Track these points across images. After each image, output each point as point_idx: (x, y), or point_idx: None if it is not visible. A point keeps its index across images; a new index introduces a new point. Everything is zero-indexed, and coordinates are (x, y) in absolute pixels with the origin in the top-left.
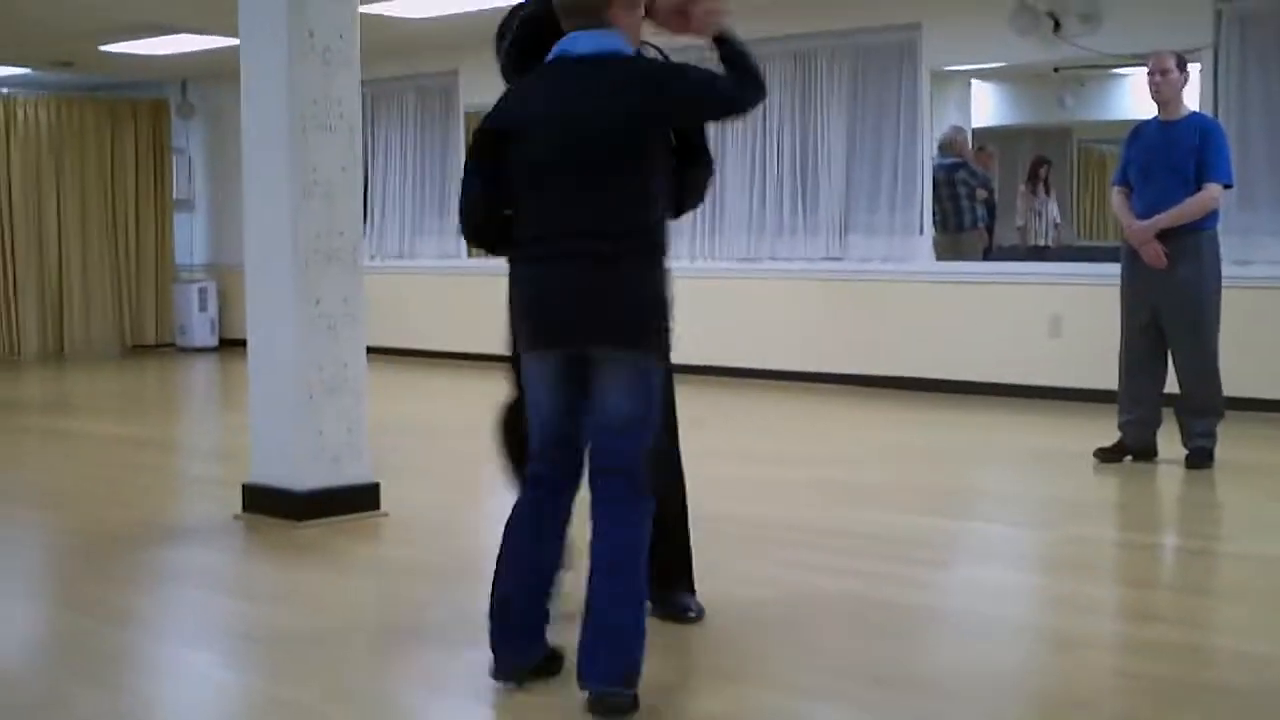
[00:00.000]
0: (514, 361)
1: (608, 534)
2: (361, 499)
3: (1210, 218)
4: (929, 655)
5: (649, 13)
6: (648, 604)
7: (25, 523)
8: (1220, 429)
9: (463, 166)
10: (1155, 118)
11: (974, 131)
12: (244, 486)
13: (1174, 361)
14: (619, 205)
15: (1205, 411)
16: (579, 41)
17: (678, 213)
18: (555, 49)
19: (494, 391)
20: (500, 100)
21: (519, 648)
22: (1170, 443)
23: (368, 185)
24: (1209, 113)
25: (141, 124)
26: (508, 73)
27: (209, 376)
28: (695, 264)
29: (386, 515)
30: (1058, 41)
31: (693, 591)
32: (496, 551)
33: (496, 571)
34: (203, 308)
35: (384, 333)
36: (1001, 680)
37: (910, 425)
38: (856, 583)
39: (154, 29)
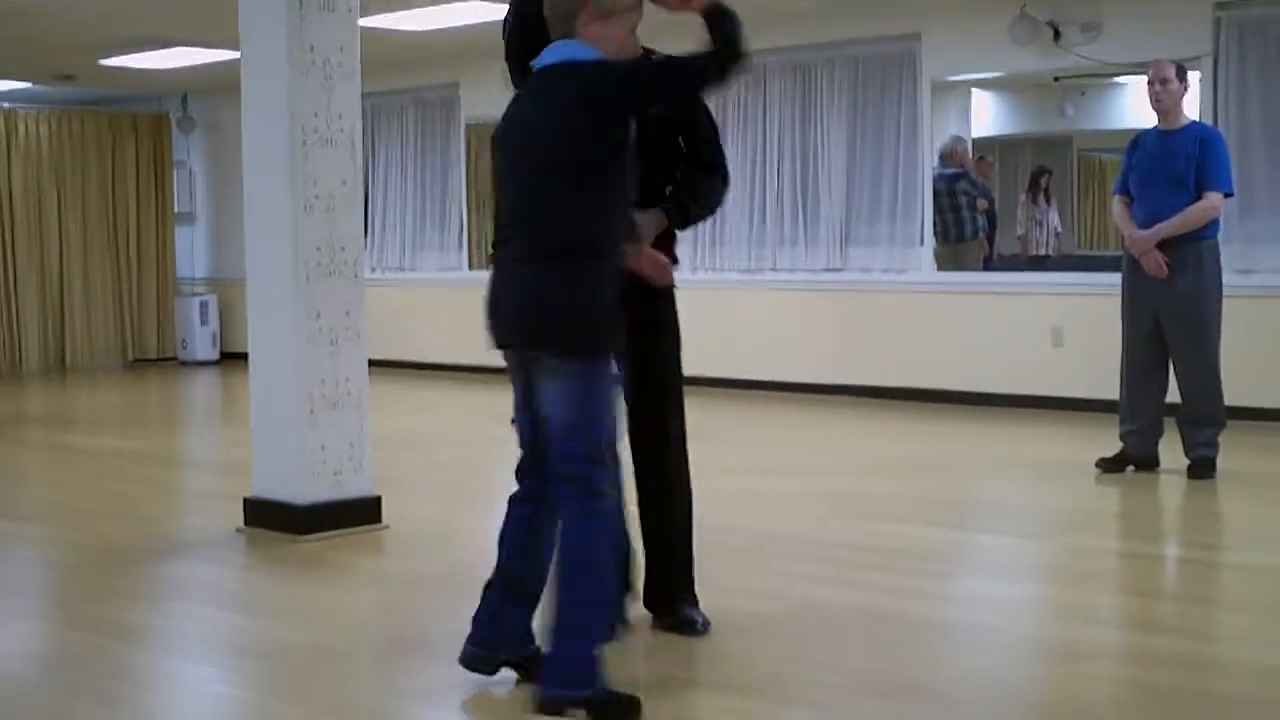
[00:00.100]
0: None
1: (560, 537)
2: (363, 512)
3: (1211, 227)
4: (933, 666)
5: None
6: (621, 605)
7: (27, 537)
8: (1222, 438)
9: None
10: (1155, 127)
11: (974, 141)
12: (245, 500)
13: (1175, 371)
14: (556, 214)
15: (1207, 421)
16: (548, 53)
17: (684, 223)
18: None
19: (495, 404)
20: None
21: (486, 635)
22: (1172, 452)
23: (368, 198)
24: (1209, 122)
25: (142, 137)
26: (514, 80)
27: (210, 390)
28: (697, 276)
29: (388, 528)
30: (1058, 51)
31: (695, 603)
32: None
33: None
34: (204, 321)
35: (385, 346)
36: (1005, 691)
37: (912, 436)
38: (859, 594)
39: (154, 43)
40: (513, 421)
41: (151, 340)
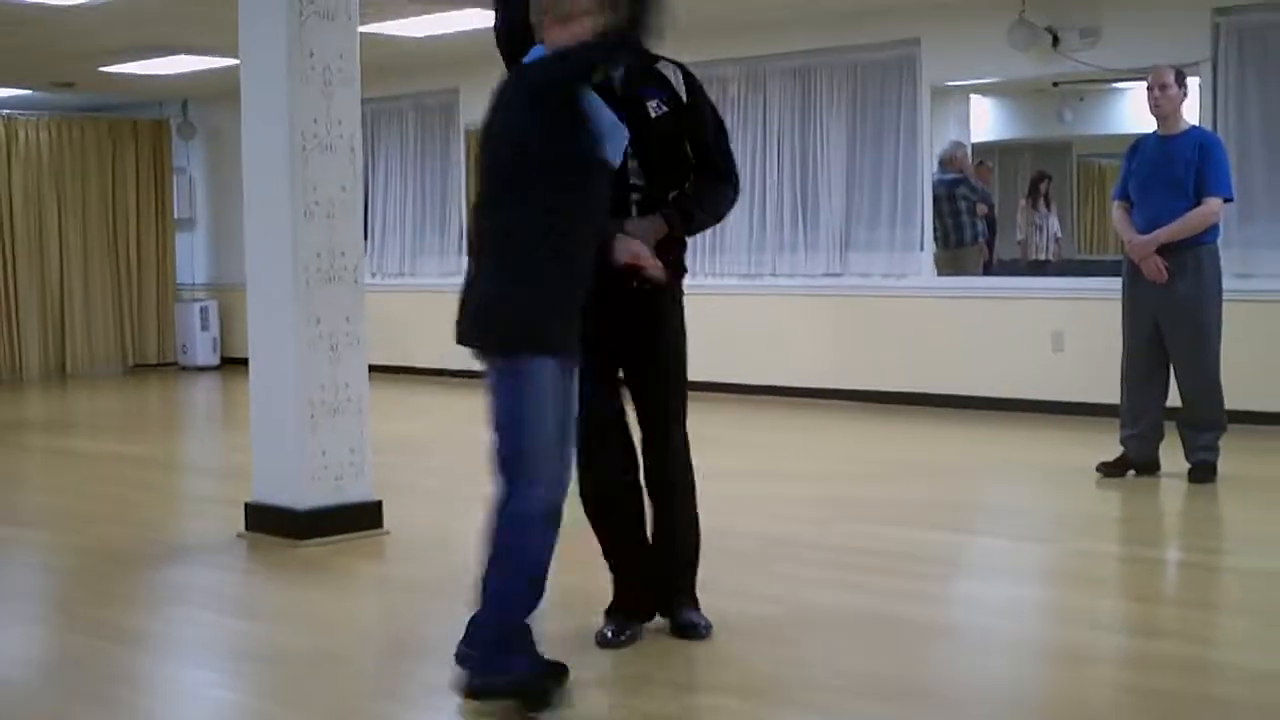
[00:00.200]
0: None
1: (492, 527)
2: (363, 517)
3: (1210, 232)
4: (933, 670)
5: None
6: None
7: (27, 541)
8: (1222, 442)
9: None
10: (1155, 132)
11: (974, 146)
12: (246, 505)
13: (1176, 375)
14: (498, 213)
15: (1207, 425)
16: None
17: (688, 230)
18: None
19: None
20: None
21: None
22: (1173, 457)
23: (368, 203)
24: (1208, 127)
25: (142, 144)
26: None
27: (211, 395)
28: (696, 281)
29: (388, 533)
30: (1057, 56)
31: (696, 606)
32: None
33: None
34: (204, 326)
35: (385, 351)
36: (1004, 694)
37: (913, 440)
38: (859, 598)
39: (154, 50)
40: None
41: (152, 345)
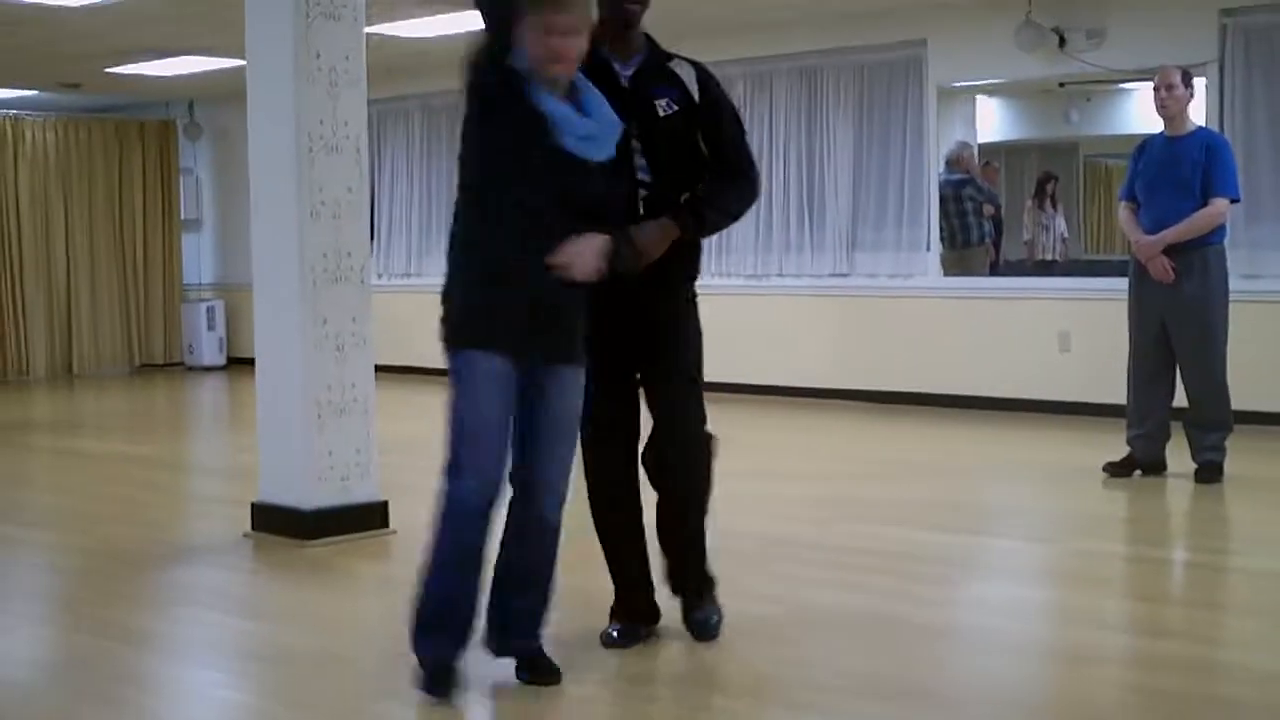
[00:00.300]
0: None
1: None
2: (370, 517)
3: (1217, 232)
4: (936, 670)
5: None
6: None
7: (34, 541)
8: (1229, 443)
9: None
10: (1162, 133)
11: (980, 147)
12: (252, 505)
13: (1182, 376)
14: (456, 211)
15: (1214, 425)
16: None
17: (699, 231)
18: None
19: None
20: None
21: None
22: (1179, 457)
23: (374, 204)
24: (1215, 127)
25: (149, 145)
26: None
27: (217, 395)
28: (702, 281)
29: (395, 533)
30: (1063, 57)
31: (702, 603)
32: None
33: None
34: (211, 326)
35: (391, 351)
36: (1009, 695)
37: (918, 440)
38: (864, 598)
39: (161, 51)
40: None
41: (158, 346)
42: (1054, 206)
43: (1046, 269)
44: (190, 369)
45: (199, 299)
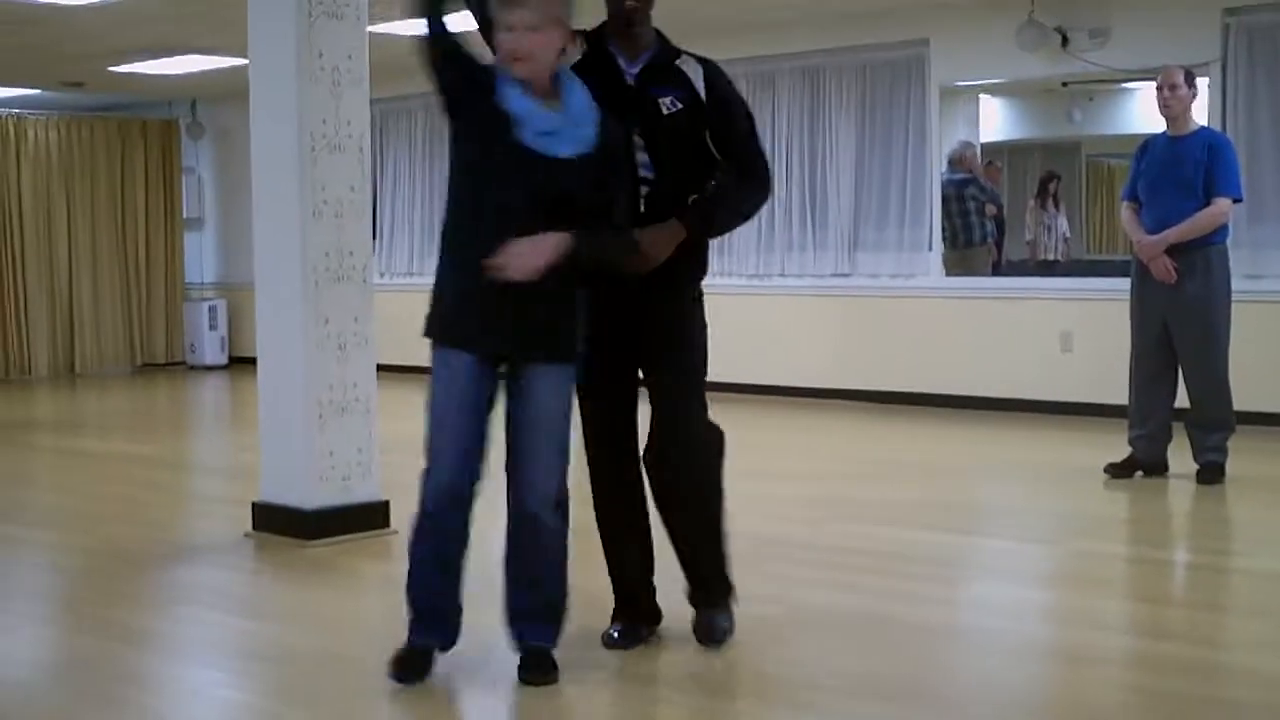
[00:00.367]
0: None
1: None
2: (371, 517)
3: (1220, 232)
4: (936, 670)
5: None
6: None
7: (35, 541)
8: (1231, 443)
9: None
10: (1164, 133)
11: (983, 147)
12: (254, 505)
13: (1184, 376)
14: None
15: (1216, 426)
16: None
17: (705, 232)
18: None
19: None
20: None
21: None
22: (1181, 457)
23: (377, 204)
24: (1217, 127)
25: (151, 143)
26: None
27: (219, 394)
28: (705, 281)
29: (396, 533)
30: (1066, 57)
31: (713, 610)
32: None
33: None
34: (213, 326)
35: (393, 351)
36: (1010, 695)
37: (920, 441)
38: (864, 598)
39: (163, 50)
40: None
41: (160, 345)
42: (1056, 206)
43: (1048, 269)
44: (192, 368)
45: (201, 298)
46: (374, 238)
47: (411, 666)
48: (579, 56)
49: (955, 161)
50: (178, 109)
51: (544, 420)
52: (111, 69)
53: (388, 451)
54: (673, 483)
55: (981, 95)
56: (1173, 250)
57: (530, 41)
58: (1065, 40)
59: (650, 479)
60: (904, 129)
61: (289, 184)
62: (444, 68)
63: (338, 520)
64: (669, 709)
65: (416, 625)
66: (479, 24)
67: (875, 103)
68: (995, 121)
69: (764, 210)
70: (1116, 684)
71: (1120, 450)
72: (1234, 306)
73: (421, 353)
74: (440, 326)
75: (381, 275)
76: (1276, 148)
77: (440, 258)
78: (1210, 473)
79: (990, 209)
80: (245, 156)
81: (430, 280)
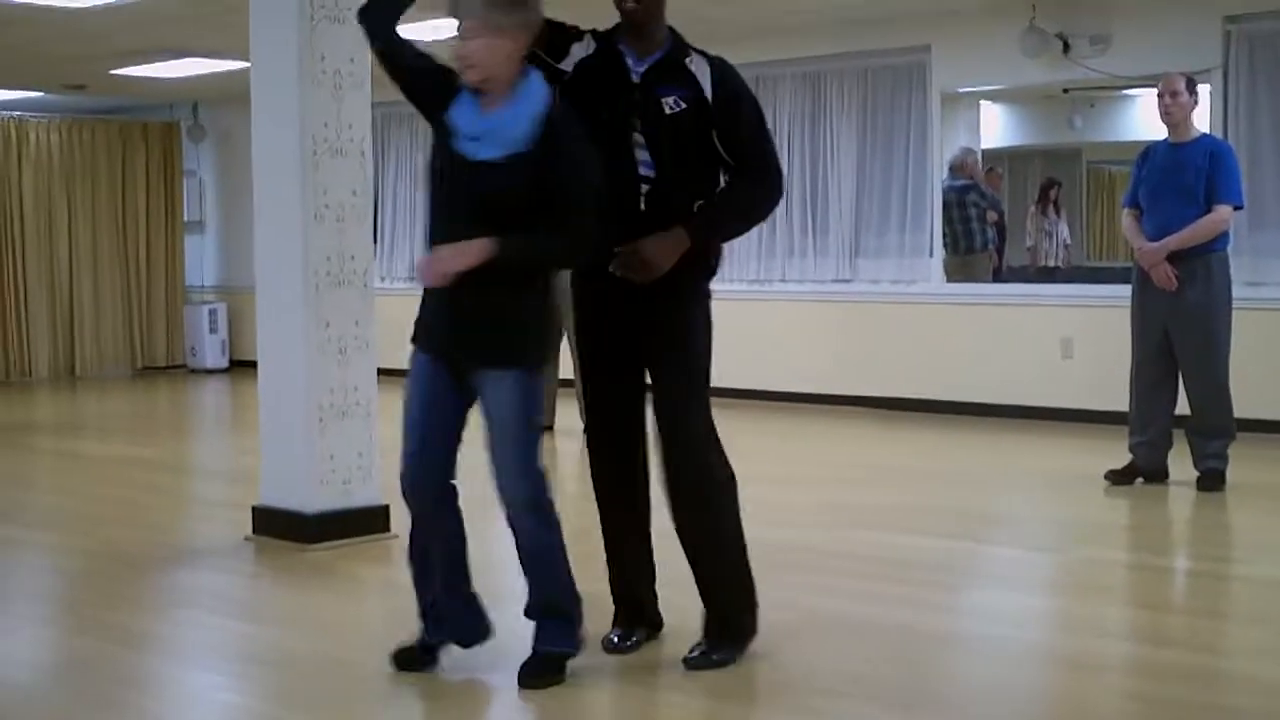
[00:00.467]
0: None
1: None
2: (371, 521)
3: (1220, 239)
4: (940, 677)
5: None
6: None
7: (35, 543)
8: (1232, 450)
9: None
10: (1165, 139)
11: (984, 153)
12: (254, 509)
13: (1185, 383)
14: None
15: (1217, 433)
16: None
17: (712, 237)
18: None
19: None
20: None
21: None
22: (1182, 464)
23: (378, 207)
24: (1219, 134)
25: (152, 146)
26: None
27: (219, 398)
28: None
29: (396, 537)
30: (1067, 63)
31: (718, 638)
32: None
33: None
34: (213, 329)
35: (394, 355)
36: (1012, 702)
37: (920, 447)
38: (865, 604)
39: (165, 52)
40: None
41: (160, 348)
42: (1057, 213)
43: (1049, 275)
44: (192, 371)
45: (201, 301)
46: (375, 242)
47: (402, 657)
48: (587, 54)
49: (956, 168)
50: (179, 112)
51: (498, 425)
52: (113, 72)
53: (388, 455)
54: (675, 486)
55: (983, 101)
56: (1174, 257)
57: (473, 49)
58: (1067, 47)
59: (669, 510)
60: (905, 135)
61: (290, 188)
62: (401, 80)
63: (338, 524)
64: (670, 712)
65: (419, 620)
66: None
67: (877, 108)
68: (996, 128)
69: None
70: (1118, 691)
71: (1121, 457)
72: (1235, 314)
73: None
74: (414, 330)
75: (382, 280)
76: (1277, 155)
77: None
78: (1211, 479)
79: (991, 215)
80: (246, 160)
81: None
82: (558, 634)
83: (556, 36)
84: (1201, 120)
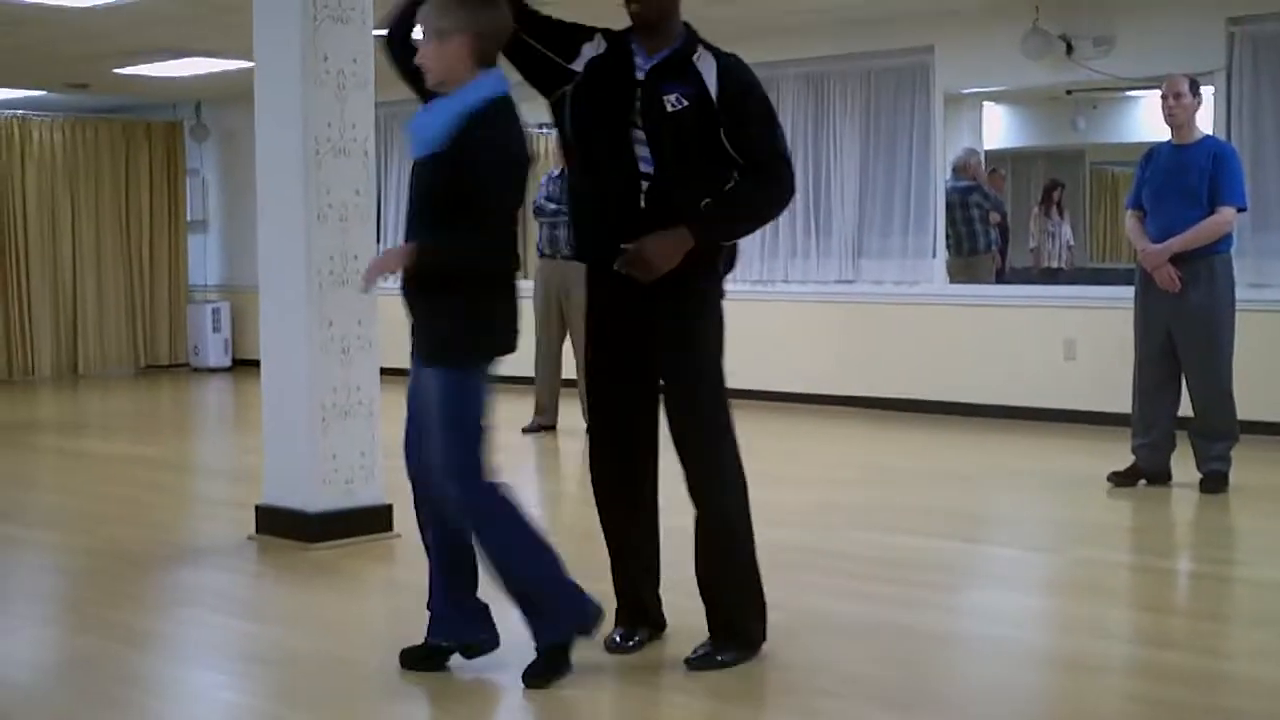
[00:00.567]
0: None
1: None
2: (374, 521)
3: (1224, 241)
4: (940, 678)
5: None
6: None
7: (38, 542)
8: (1234, 452)
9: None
10: (1168, 141)
11: (987, 154)
12: (257, 508)
13: (1188, 385)
14: None
15: (1219, 435)
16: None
17: (717, 236)
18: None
19: (503, 411)
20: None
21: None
22: (1184, 466)
23: (381, 207)
24: (1222, 136)
25: (156, 145)
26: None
27: (222, 397)
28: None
29: (399, 537)
30: (1070, 65)
31: (724, 640)
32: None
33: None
34: (216, 328)
35: (396, 354)
36: (1013, 703)
37: (923, 448)
38: (867, 605)
39: (169, 52)
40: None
41: (163, 347)
42: (1060, 214)
43: (1052, 277)
44: (195, 370)
45: (204, 300)
46: (378, 242)
47: (408, 657)
48: (597, 53)
49: (959, 169)
50: (182, 111)
51: (427, 414)
52: (116, 71)
53: (391, 455)
54: (696, 501)
55: (986, 102)
56: (1177, 259)
57: (423, 53)
58: (1070, 48)
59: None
60: (908, 136)
61: (293, 187)
62: (409, 85)
63: (341, 523)
64: (671, 712)
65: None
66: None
67: (880, 109)
68: (999, 129)
69: None
70: (1119, 692)
71: (1123, 458)
72: (1238, 315)
73: None
74: None
75: (385, 280)
76: None
77: None
78: (1213, 482)
79: (994, 216)
80: (250, 159)
81: None
82: (541, 628)
83: (567, 38)
84: (1204, 122)
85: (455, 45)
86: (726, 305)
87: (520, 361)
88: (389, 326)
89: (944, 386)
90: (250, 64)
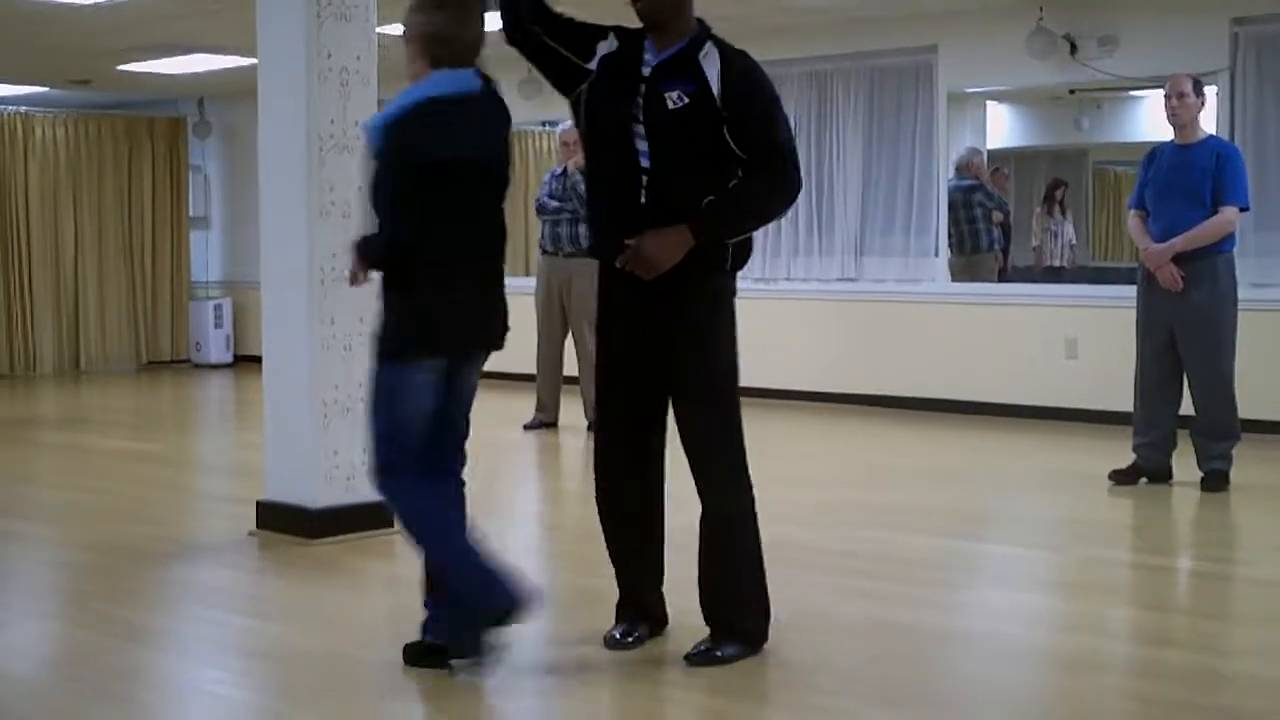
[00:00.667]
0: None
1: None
2: (375, 517)
3: (1226, 241)
4: (941, 676)
5: None
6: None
7: (39, 538)
8: (1236, 451)
9: None
10: (1172, 141)
11: (990, 153)
12: (258, 504)
13: (1190, 384)
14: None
15: (1221, 434)
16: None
17: (718, 234)
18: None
19: (505, 408)
20: None
21: None
22: (1186, 465)
23: None
24: (1225, 136)
25: (158, 142)
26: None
27: (224, 393)
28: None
29: (400, 533)
30: (1074, 64)
31: (726, 638)
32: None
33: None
34: (218, 324)
35: None
36: (1013, 701)
37: (925, 446)
38: (868, 603)
39: (172, 48)
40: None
41: (165, 343)
42: (1063, 213)
43: (1054, 276)
44: (197, 366)
45: (207, 296)
46: None
47: (410, 653)
48: (610, 51)
49: (962, 168)
50: (185, 108)
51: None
52: (119, 67)
53: None
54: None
55: (989, 102)
56: (1179, 258)
57: (405, 54)
58: (1074, 48)
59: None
60: (911, 135)
61: (296, 184)
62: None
63: (342, 519)
64: (671, 709)
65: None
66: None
67: (883, 108)
68: (1002, 128)
69: None
70: (1119, 691)
71: (1125, 457)
72: (1240, 315)
73: None
74: None
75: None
76: None
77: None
78: (1215, 480)
79: (997, 215)
80: (252, 156)
81: None
82: (455, 615)
83: (582, 38)
84: (1208, 122)
85: (411, 48)
86: None
87: (522, 359)
88: None
89: (946, 385)
90: (253, 61)
